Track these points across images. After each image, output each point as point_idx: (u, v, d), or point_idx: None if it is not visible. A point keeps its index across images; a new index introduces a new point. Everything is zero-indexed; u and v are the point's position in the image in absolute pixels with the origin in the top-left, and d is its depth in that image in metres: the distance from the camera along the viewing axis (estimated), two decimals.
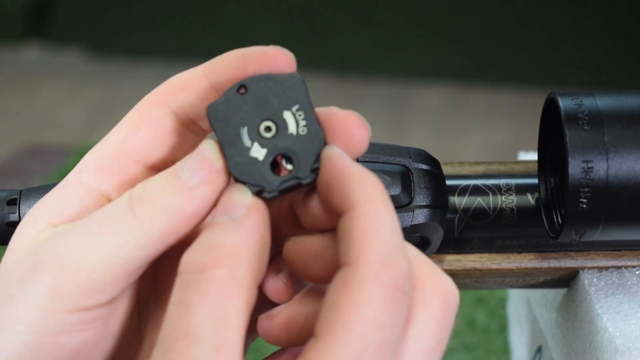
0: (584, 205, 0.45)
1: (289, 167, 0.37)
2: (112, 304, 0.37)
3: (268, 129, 0.37)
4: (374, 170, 0.47)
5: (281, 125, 0.37)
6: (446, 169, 0.52)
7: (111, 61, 2.72)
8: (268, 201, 0.37)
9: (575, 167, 0.45)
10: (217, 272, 0.34)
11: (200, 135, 0.40)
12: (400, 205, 0.47)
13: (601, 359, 0.48)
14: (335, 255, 0.36)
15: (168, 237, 0.37)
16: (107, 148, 0.39)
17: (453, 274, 0.51)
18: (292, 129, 0.37)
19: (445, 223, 0.48)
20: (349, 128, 0.37)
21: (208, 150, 0.37)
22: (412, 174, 0.48)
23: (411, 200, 0.47)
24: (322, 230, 0.37)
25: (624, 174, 0.45)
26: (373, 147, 0.48)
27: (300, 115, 0.37)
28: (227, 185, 0.37)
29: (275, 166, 0.37)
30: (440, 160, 0.50)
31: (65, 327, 0.36)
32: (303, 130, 0.37)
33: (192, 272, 0.34)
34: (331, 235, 0.36)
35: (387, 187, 0.47)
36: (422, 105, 2.54)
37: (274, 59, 0.38)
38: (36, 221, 0.39)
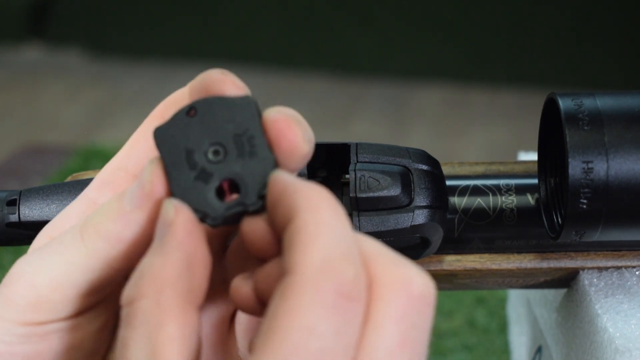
0: (584, 206, 0.45)
1: (236, 194, 0.35)
2: (70, 321, 0.37)
3: (216, 153, 0.35)
4: (374, 170, 0.47)
5: (230, 149, 0.35)
6: (446, 169, 0.52)
7: (111, 61, 2.72)
8: (213, 228, 0.35)
9: (575, 168, 0.45)
10: (142, 302, 0.33)
11: None
12: (400, 205, 0.47)
13: (601, 359, 0.48)
14: None
15: (112, 262, 0.36)
16: (112, 164, 0.39)
17: (453, 274, 0.51)
18: (240, 153, 0.35)
19: (445, 223, 0.48)
20: (284, 134, 0.35)
21: (143, 174, 0.36)
22: (412, 174, 0.48)
23: (411, 200, 0.47)
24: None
25: (624, 175, 0.45)
26: (373, 148, 0.48)
27: (250, 139, 0.35)
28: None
29: (222, 192, 0.35)
30: (440, 161, 0.50)
31: (18, 337, 0.37)
32: (252, 155, 0.35)
33: (124, 305, 0.34)
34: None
35: (387, 187, 0.47)
36: (422, 105, 2.54)
37: (225, 88, 0.37)
38: (41, 234, 0.39)
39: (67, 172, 1.06)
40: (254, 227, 0.35)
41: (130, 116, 2.49)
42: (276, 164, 0.35)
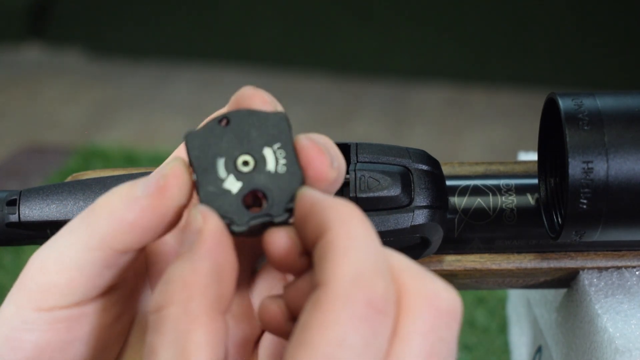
0: (584, 206, 0.45)
1: (263, 204, 0.36)
2: (75, 308, 0.38)
3: (246, 163, 0.36)
4: (374, 170, 0.47)
5: (260, 161, 0.36)
6: (446, 169, 0.52)
7: (111, 61, 2.72)
8: (236, 236, 0.36)
9: (575, 168, 0.45)
10: (171, 309, 0.34)
11: None
12: (400, 205, 0.47)
13: (601, 359, 0.48)
14: None
15: (111, 242, 0.37)
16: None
17: (453, 274, 0.51)
18: (270, 166, 0.36)
19: (445, 223, 0.48)
20: (311, 162, 0.36)
21: (165, 166, 0.37)
22: (412, 174, 0.48)
23: (411, 200, 0.47)
24: (301, 272, 0.36)
25: (624, 175, 0.45)
26: (373, 148, 0.48)
27: (280, 153, 0.36)
28: (185, 206, 0.37)
29: (248, 201, 0.36)
30: (440, 161, 0.50)
31: (29, 324, 0.37)
32: (282, 169, 0.36)
33: (152, 312, 0.34)
34: (310, 271, 0.35)
35: (387, 187, 0.47)
36: (422, 105, 2.54)
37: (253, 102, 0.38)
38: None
39: (67, 172, 1.06)
40: (278, 239, 0.36)
41: (130, 116, 2.49)
42: (304, 180, 0.36)
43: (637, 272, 0.51)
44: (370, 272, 0.33)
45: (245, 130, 0.36)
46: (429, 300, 0.33)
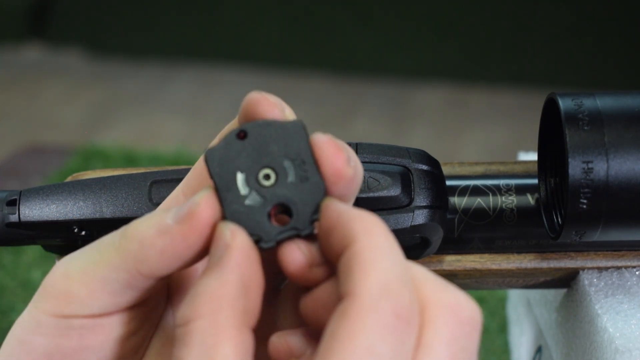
0: (584, 206, 0.45)
1: (287, 217, 0.36)
2: (91, 319, 0.38)
3: (267, 176, 0.36)
4: (373, 170, 0.47)
5: (281, 173, 0.36)
6: (446, 170, 0.52)
7: (111, 61, 2.72)
8: (264, 251, 0.36)
9: (575, 168, 0.45)
10: (198, 322, 0.34)
11: None
12: (400, 205, 0.47)
13: (601, 359, 0.48)
14: (337, 300, 0.35)
15: (140, 266, 0.37)
16: (176, 191, 0.42)
17: (453, 274, 0.51)
18: (292, 178, 0.36)
19: (445, 223, 0.48)
20: (329, 159, 0.36)
21: (195, 196, 0.37)
22: (412, 174, 0.48)
23: (411, 200, 0.47)
24: (317, 283, 0.36)
25: (624, 175, 0.45)
26: (373, 148, 0.48)
27: (301, 164, 0.36)
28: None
29: (273, 216, 0.36)
30: (440, 161, 0.50)
31: (43, 328, 0.38)
32: (303, 180, 0.36)
33: (179, 325, 0.34)
34: (332, 282, 0.36)
35: (387, 187, 0.47)
36: (422, 105, 2.54)
37: (265, 110, 0.38)
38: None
39: (67, 172, 1.06)
40: (292, 253, 0.36)
41: (130, 116, 2.49)
42: (326, 190, 0.36)
43: (637, 272, 0.51)
44: (397, 283, 0.33)
45: (263, 142, 0.36)
46: (451, 311, 0.34)
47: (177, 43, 2.71)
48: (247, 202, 0.36)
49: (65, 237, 0.49)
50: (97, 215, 0.48)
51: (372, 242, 0.34)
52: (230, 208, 0.36)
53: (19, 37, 2.73)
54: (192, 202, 0.36)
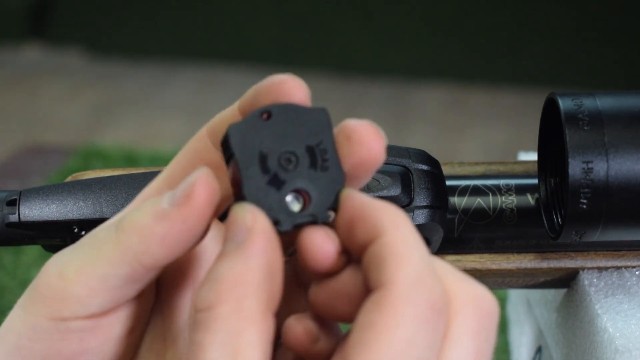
0: (584, 206, 0.45)
1: (305, 202, 0.36)
2: (90, 320, 0.37)
3: (288, 160, 0.36)
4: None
5: (302, 158, 0.36)
6: (446, 170, 0.52)
7: (111, 61, 2.72)
8: (280, 234, 0.35)
9: (575, 168, 0.45)
10: (223, 307, 0.33)
11: None
12: (400, 205, 0.47)
13: (601, 359, 0.48)
14: (356, 290, 0.35)
15: (141, 257, 0.36)
16: (155, 183, 0.40)
17: None
18: (312, 164, 0.36)
19: (445, 223, 0.48)
20: (366, 141, 0.36)
21: (192, 176, 0.36)
22: (412, 174, 0.48)
23: (411, 200, 0.47)
24: (329, 273, 0.36)
25: (624, 175, 0.45)
26: None
27: (322, 151, 0.36)
28: (213, 216, 0.36)
29: (290, 200, 0.36)
30: (440, 161, 0.50)
31: (41, 333, 0.37)
32: (324, 168, 0.36)
33: (201, 310, 0.34)
34: (350, 272, 0.36)
35: (387, 187, 0.47)
36: (422, 105, 2.54)
37: (287, 92, 0.37)
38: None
39: (67, 172, 1.06)
40: (317, 238, 0.36)
41: (130, 116, 2.49)
42: (344, 180, 0.36)
43: (637, 272, 0.51)
44: (429, 275, 0.34)
45: (287, 125, 0.36)
46: (476, 303, 0.35)
47: (177, 43, 2.71)
48: (267, 183, 0.35)
49: (65, 237, 0.49)
50: (97, 215, 0.48)
51: (401, 234, 0.34)
52: (249, 186, 0.35)
53: (19, 37, 2.73)
54: (187, 183, 0.36)
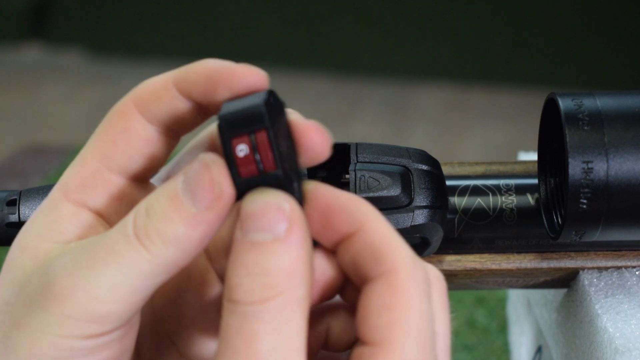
0: (584, 206, 0.45)
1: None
2: (124, 327, 0.37)
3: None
4: (373, 170, 0.47)
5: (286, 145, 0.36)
6: (446, 170, 0.52)
7: (111, 61, 2.72)
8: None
9: (575, 168, 0.45)
10: (277, 299, 0.34)
11: (176, 139, 0.40)
12: (400, 205, 0.47)
13: (601, 359, 0.48)
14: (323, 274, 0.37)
15: (177, 264, 0.36)
16: (87, 165, 0.39)
17: (453, 274, 0.51)
18: (290, 151, 0.36)
19: (445, 223, 0.48)
20: (311, 140, 0.37)
21: (214, 172, 0.35)
22: (412, 174, 0.48)
23: (411, 200, 0.47)
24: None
25: (624, 175, 0.45)
26: (373, 148, 0.48)
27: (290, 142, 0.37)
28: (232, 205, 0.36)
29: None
30: (440, 161, 0.50)
31: (80, 351, 0.36)
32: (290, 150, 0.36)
33: (252, 304, 0.34)
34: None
35: (387, 187, 0.47)
36: (422, 105, 2.54)
37: (245, 77, 0.37)
38: (38, 240, 0.38)
39: None
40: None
41: None
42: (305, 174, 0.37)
43: (637, 272, 0.51)
44: (414, 255, 0.36)
45: (272, 111, 0.36)
46: (439, 281, 0.38)
47: (177, 43, 2.71)
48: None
49: None
50: None
51: (382, 222, 0.36)
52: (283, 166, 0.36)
53: (19, 37, 2.73)
54: (213, 182, 0.35)
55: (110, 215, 0.39)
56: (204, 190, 0.35)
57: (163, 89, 0.38)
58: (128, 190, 0.39)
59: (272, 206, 0.35)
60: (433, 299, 0.37)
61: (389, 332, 0.34)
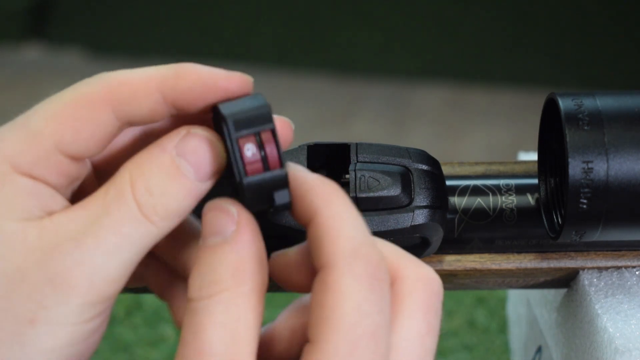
0: (584, 206, 0.45)
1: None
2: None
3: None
4: (373, 170, 0.47)
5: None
6: (446, 169, 0.52)
7: (111, 61, 2.72)
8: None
9: (575, 168, 0.45)
10: (223, 294, 0.36)
11: (144, 139, 0.40)
12: (400, 205, 0.47)
13: (601, 359, 0.48)
14: (306, 264, 0.38)
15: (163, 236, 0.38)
16: (41, 143, 0.38)
17: (453, 274, 0.51)
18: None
19: (445, 223, 0.48)
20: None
21: (217, 146, 0.37)
22: (412, 174, 0.48)
23: (411, 200, 0.47)
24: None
25: (624, 175, 0.45)
26: (373, 148, 0.48)
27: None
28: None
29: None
30: (440, 161, 0.50)
31: (93, 328, 0.38)
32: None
33: (200, 299, 0.36)
34: (303, 245, 0.38)
35: (387, 187, 0.47)
36: (422, 105, 2.54)
37: (241, 83, 0.38)
38: (8, 221, 0.37)
39: None
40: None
41: None
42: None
43: (637, 272, 0.51)
44: (364, 246, 0.36)
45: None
46: (424, 282, 0.38)
47: (178, 43, 2.71)
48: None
49: None
50: None
51: (333, 212, 0.36)
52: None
53: (19, 37, 2.73)
54: (217, 157, 0.37)
55: (62, 191, 0.39)
56: (207, 164, 0.37)
57: (145, 93, 0.38)
58: (84, 174, 0.39)
59: (222, 211, 0.37)
60: (408, 301, 0.37)
61: (319, 329, 0.35)
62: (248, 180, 0.36)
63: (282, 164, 0.37)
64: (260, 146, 0.37)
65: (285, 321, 0.39)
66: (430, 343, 0.37)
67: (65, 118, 0.38)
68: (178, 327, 0.42)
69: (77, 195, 0.39)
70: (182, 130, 0.38)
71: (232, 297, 0.36)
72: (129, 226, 0.37)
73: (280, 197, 0.37)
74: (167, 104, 0.38)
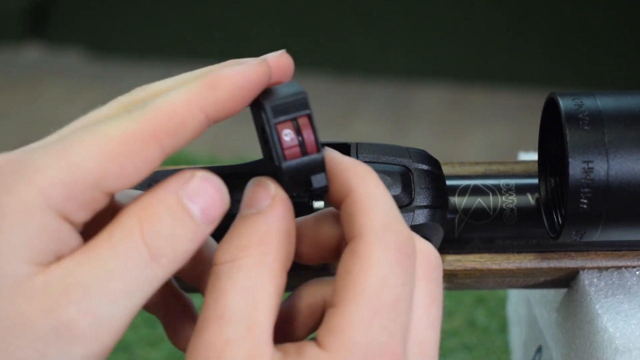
0: (584, 206, 0.45)
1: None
2: None
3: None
4: (374, 170, 0.47)
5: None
6: (446, 169, 0.52)
7: (111, 61, 2.72)
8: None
9: (575, 168, 0.45)
10: (247, 259, 0.37)
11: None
12: (401, 205, 0.47)
13: (601, 359, 0.48)
14: (318, 234, 0.40)
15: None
16: (81, 177, 0.36)
17: (453, 274, 0.51)
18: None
19: (445, 223, 0.48)
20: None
21: (223, 191, 0.38)
22: (412, 174, 0.48)
23: (411, 200, 0.47)
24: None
25: (624, 174, 0.45)
26: (373, 147, 0.48)
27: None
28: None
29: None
30: (440, 161, 0.50)
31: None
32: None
33: (224, 262, 0.37)
34: (315, 217, 0.40)
35: (387, 187, 0.47)
36: (422, 105, 2.54)
37: (285, 72, 0.41)
38: (15, 264, 0.35)
39: None
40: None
41: None
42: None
43: (637, 272, 0.51)
44: (395, 221, 0.38)
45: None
46: (427, 255, 0.39)
47: (177, 43, 2.71)
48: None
49: None
50: None
51: (368, 190, 0.38)
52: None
53: (19, 37, 2.73)
54: (223, 201, 0.38)
55: (79, 226, 0.37)
56: (214, 207, 0.38)
57: (191, 120, 0.37)
58: (105, 204, 0.37)
59: (262, 187, 0.39)
60: (414, 269, 0.38)
61: (343, 293, 0.36)
62: (287, 164, 0.38)
63: (319, 149, 0.38)
64: (298, 131, 0.38)
65: (303, 298, 0.40)
66: (435, 312, 0.39)
67: (111, 154, 0.36)
68: (172, 342, 0.43)
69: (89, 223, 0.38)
70: (187, 173, 0.37)
71: (255, 264, 0.37)
72: (136, 270, 0.36)
73: (317, 181, 0.38)
74: (210, 120, 0.38)
